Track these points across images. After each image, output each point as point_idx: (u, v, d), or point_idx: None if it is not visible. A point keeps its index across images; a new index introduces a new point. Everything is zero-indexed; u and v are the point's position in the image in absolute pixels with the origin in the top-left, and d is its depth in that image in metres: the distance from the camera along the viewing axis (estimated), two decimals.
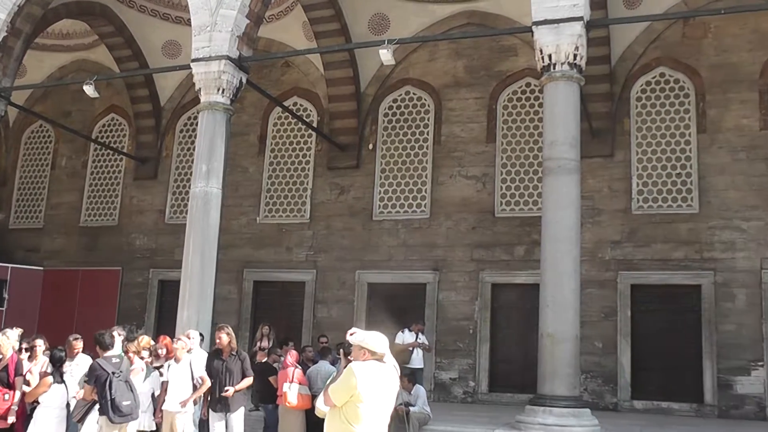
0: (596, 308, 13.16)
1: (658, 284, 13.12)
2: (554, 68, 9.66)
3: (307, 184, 15.67)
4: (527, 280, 13.18)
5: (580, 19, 9.65)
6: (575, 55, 9.65)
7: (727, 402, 12.38)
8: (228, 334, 8.09)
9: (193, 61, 11.47)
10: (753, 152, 12.98)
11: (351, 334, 4.26)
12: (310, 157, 15.82)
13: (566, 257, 9.29)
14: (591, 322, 13.00)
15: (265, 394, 9.54)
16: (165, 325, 14.14)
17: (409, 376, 9.69)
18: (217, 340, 8.14)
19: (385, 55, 10.97)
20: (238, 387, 7.91)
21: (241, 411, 8.04)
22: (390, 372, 4.21)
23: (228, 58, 11.27)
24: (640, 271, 13.20)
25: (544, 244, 9.48)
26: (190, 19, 11.84)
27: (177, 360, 7.88)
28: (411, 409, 9.17)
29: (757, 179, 12.90)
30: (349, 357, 4.69)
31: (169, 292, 15.24)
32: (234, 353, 8.05)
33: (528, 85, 14.31)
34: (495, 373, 13.73)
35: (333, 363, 9.32)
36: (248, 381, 8.11)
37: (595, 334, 13.07)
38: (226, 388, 7.82)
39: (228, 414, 7.90)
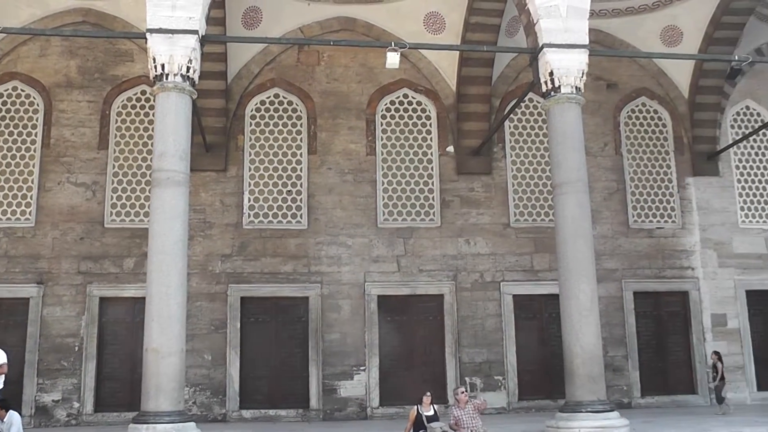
0: (206, 321, 15.91)
1: (267, 296, 16.33)
2: (167, 78, 11.24)
3: None
4: (137, 293, 15.28)
5: (195, 32, 11.39)
6: (188, 68, 11.32)
7: (332, 405, 15.99)
8: None
9: None
10: (359, 175, 17.05)
11: None
12: None
13: (172, 270, 10.70)
14: (201, 335, 15.76)
15: None
16: None
17: (2, 403, 10.35)
18: None
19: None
20: None
21: None
22: None
23: None
24: (251, 284, 16.27)
25: (150, 256, 10.81)
26: None
27: None
28: None
29: (362, 200, 16.94)
30: None
31: None
32: None
33: (143, 92, 16.65)
34: (101, 393, 15.57)
35: None
36: None
37: (205, 346, 15.79)
38: None
39: None
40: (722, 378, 15.77)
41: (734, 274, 18.19)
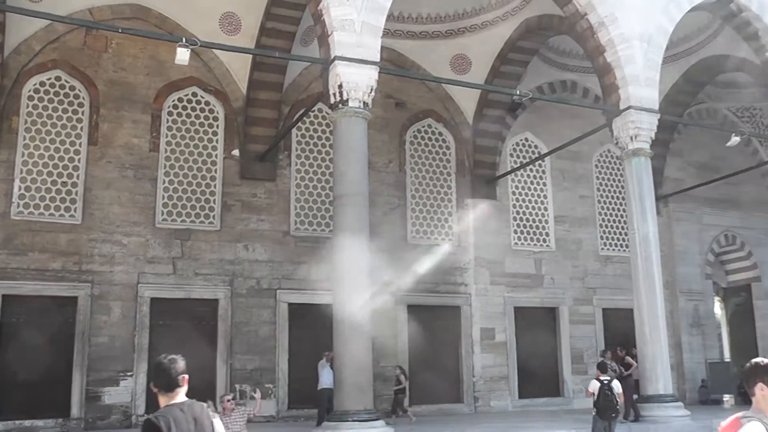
0: None
1: (33, 295, 16.70)
2: None
3: None
4: None
5: None
6: None
7: (95, 413, 16.67)
8: None
9: None
10: (141, 171, 18.13)
11: None
12: None
13: None
14: None
15: None
16: None
17: None
18: None
19: None
20: None
21: None
22: None
23: None
24: (15, 281, 16.58)
25: None
26: None
27: None
28: None
29: (142, 197, 18.04)
30: None
31: None
32: None
33: None
34: None
35: None
36: None
37: None
38: None
39: None
40: (403, 391, 18.33)
41: (504, 291, 21.47)
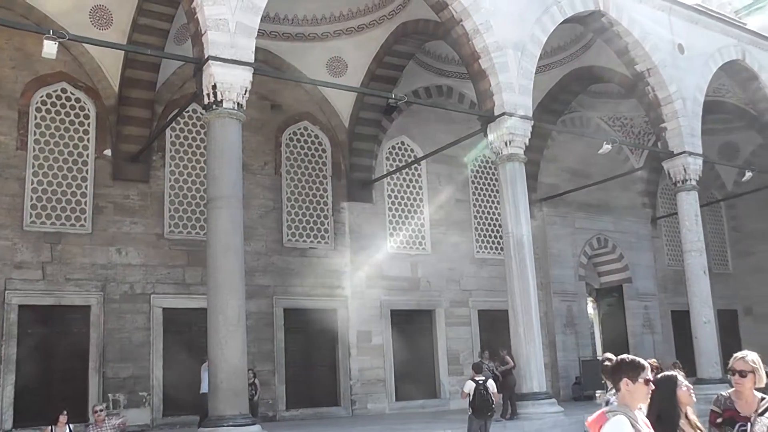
0: None
1: None
2: None
3: None
4: None
5: None
6: None
7: None
8: None
9: None
10: (7, 170, 18.24)
11: None
12: None
13: None
14: None
15: None
16: None
17: None
18: None
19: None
20: None
21: None
22: None
23: None
24: None
25: None
26: None
27: None
28: None
29: (8, 198, 18.11)
30: None
31: None
32: None
33: None
34: None
35: None
36: None
37: None
38: None
39: None
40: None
41: (381, 294, 22.71)
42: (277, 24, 21.34)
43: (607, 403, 5.64)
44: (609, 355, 6.41)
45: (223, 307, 13.34)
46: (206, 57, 14.09)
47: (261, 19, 15.23)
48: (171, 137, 20.50)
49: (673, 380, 5.43)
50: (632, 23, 21.57)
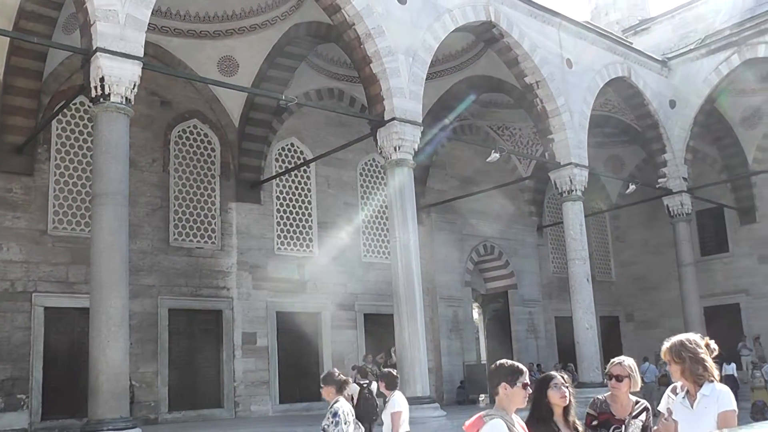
0: None
1: None
2: None
3: None
4: None
5: None
6: None
7: None
8: None
9: None
10: None
11: None
12: None
13: None
14: None
15: None
16: None
17: None
18: None
19: None
20: None
21: None
22: None
23: None
24: None
25: None
26: None
27: None
28: None
29: None
30: None
31: None
32: None
33: None
34: None
35: None
36: None
37: None
38: None
39: None
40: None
41: (267, 296, 23.98)
42: (169, 19, 22.19)
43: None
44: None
45: (106, 306, 13.67)
46: (94, 48, 14.41)
47: (152, 13, 15.72)
48: (57, 130, 20.93)
49: (546, 380, 5.71)
50: (522, 36, 23.41)
